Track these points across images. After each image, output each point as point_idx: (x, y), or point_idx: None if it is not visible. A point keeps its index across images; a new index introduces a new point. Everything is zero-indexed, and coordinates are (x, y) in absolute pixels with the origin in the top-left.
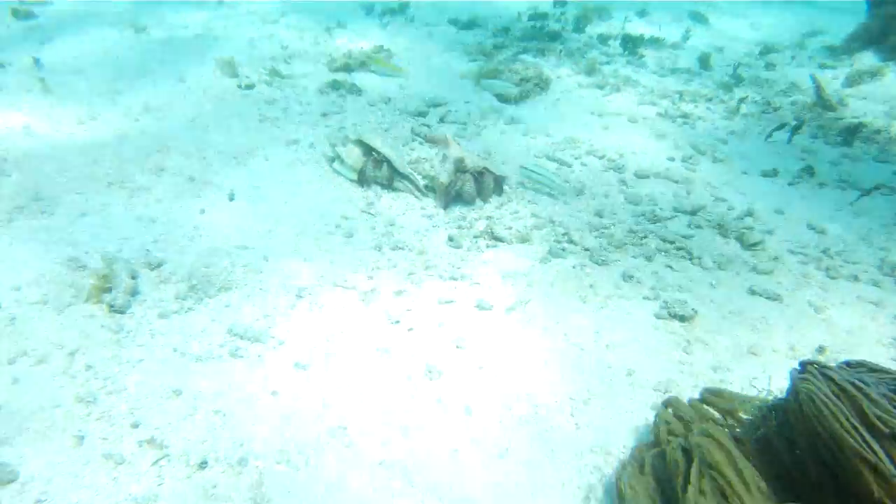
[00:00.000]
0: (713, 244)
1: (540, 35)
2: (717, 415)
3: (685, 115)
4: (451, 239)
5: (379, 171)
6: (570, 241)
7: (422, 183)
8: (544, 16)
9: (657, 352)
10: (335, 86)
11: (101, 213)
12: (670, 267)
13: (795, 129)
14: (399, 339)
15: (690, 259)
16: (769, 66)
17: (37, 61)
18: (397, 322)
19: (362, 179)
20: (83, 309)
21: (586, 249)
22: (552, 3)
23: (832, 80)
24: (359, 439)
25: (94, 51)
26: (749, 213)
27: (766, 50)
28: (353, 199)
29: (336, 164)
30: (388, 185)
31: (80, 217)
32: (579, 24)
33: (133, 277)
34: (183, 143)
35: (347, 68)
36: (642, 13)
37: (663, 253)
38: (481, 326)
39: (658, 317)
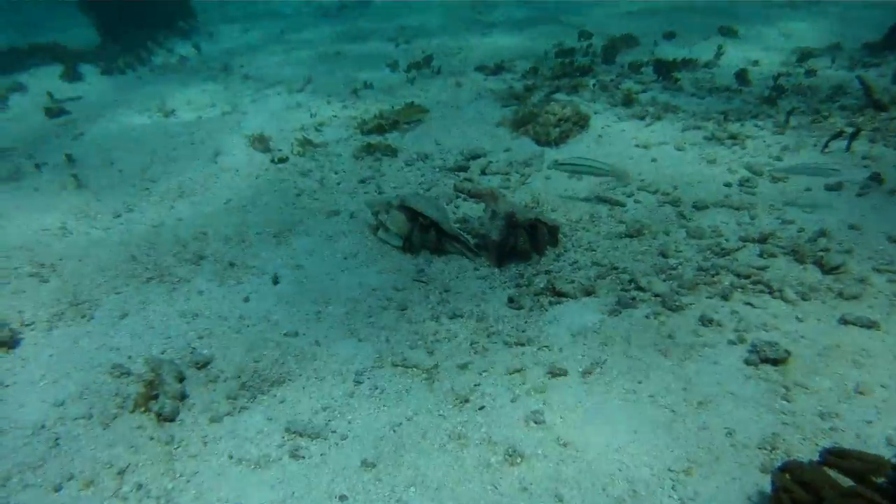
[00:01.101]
0: (791, 273)
1: (570, 71)
2: (845, 480)
3: (733, 136)
4: (511, 300)
5: (426, 236)
6: (638, 288)
7: (472, 242)
8: (571, 51)
9: (755, 403)
10: (369, 149)
11: (141, 312)
12: (750, 304)
13: (853, 136)
14: (471, 419)
15: (770, 293)
16: (809, 73)
17: (69, 157)
18: (466, 401)
19: (409, 246)
20: (130, 420)
21: (657, 295)
22: (577, 37)
23: (879, 79)
24: None
25: (126, 140)
26: (822, 234)
27: (804, 56)
28: (403, 268)
29: (381, 233)
30: (438, 249)
31: (121, 318)
32: (608, 55)
33: (180, 380)
34: (220, 227)
35: (381, 129)
36: (669, 36)
37: (740, 290)
38: (558, 396)
39: (748, 363)
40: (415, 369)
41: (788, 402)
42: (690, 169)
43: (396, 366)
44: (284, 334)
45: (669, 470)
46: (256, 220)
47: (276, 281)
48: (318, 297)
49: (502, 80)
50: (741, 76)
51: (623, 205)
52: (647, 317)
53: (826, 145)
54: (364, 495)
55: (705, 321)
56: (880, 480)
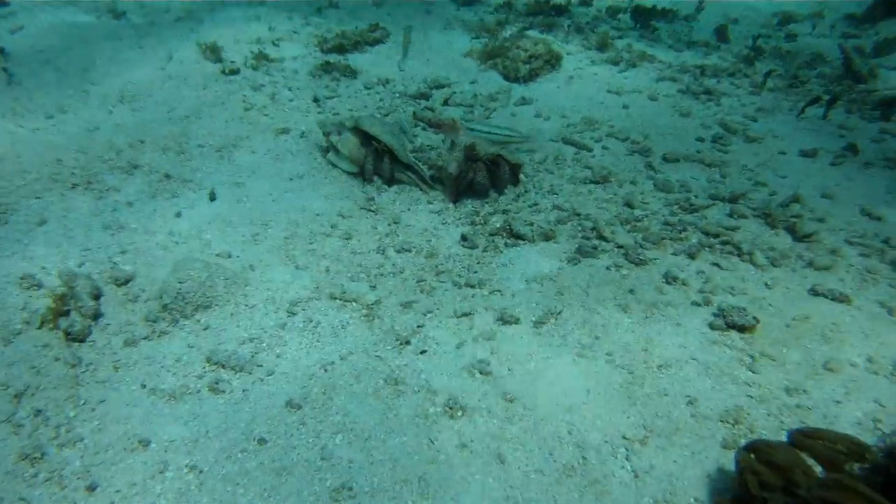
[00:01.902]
0: (762, 237)
1: (545, 9)
2: (816, 465)
3: (709, 92)
4: (464, 238)
5: (380, 163)
6: (601, 237)
7: (428, 174)
8: None
9: (719, 372)
10: (328, 68)
11: (62, 220)
12: (717, 265)
13: (830, 104)
14: (410, 364)
15: (739, 255)
16: (790, 38)
17: (1, 50)
18: (407, 343)
19: (361, 171)
20: (35, 337)
21: (620, 247)
22: None
23: (851, 50)
24: (368, 503)
25: (69, 39)
26: (795, 199)
27: (785, 20)
28: (352, 195)
29: (331, 156)
30: (391, 178)
31: (38, 226)
32: None
33: (96, 297)
34: (160, 136)
35: (341, 49)
36: None
37: (707, 249)
38: (507, 346)
39: (713, 327)
40: (354, 304)
41: (754, 373)
42: (662, 120)
43: (335, 298)
44: (216, 255)
45: (624, 438)
46: (199, 132)
47: (212, 197)
48: (257, 217)
49: (474, 12)
50: (720, 32)
51: (590, 149)
52: (608, 268)
53: (802, 111)
54: (286, 440)
55: (670, 279)
56: (856, 467)
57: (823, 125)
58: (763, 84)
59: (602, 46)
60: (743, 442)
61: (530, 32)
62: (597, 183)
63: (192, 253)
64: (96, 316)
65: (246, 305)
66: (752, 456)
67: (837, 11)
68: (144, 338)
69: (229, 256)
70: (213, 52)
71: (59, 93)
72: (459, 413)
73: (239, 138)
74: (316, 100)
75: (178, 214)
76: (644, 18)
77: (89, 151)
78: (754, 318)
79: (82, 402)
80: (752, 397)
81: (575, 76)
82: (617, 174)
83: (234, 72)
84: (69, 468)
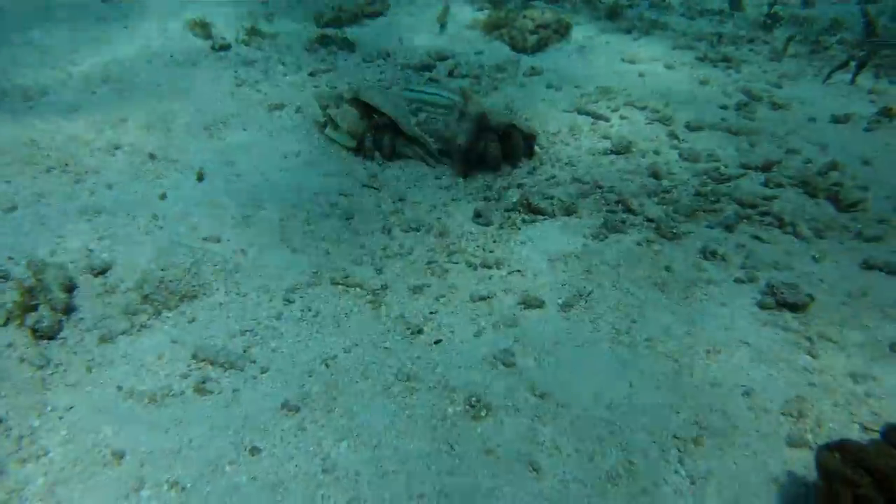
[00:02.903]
0: (803, 207)
1: None
2: None
3: (727, 59)
4: (478, 214)
5: (382, 136)
6: (628, 210)
7: (434, 147)
8: None
9: (774, 357)
10: (325, 41)
11: (34, 205)
12: (758, 238)
13: (860, 68)
14: (424, 357)
15: (781, 226)
16: (807, 4)
17: None
18: (419, 332)
19: (361, 146)
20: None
21: (650, 220)
22: None
23: (878, 16)
24: None
25: (52, 18)
26: (833, 166)
27: None
28: (352, 171)
29: (329, 130)
30: (394, 152)
31: (8, 212)
32: None
33: (68, 289)
34: (143, 114)
35: (338, 22)
36: None
37: (745, 220)
38: (532, 333)
39: (763, 306)
40: (358, 289)
41: (813, 357)
42: (682, 87)
43: (336, 284)
44: (203, 239)
45: (675, 437)
46: (186, 110)
47: (200, 177)
48: (248, 198)
49: None
50: (735, 1)
51: (607, 119)
52: (639, 244)
53: (829, 76)
54: (282, 448)
55: (708, 254)
56: None
57: (852, 90)
58: (784, 49)
59: (612, 16)
60: (811, 438)
61: (535, 2)
62: (618, 153)
63: (177, 238)
64: (68, 310)
65: (237, 294)
66: (838, 456)
67: None
68: (122, 333)
69: (218, 241)
70: (202, 28)
71: (40, 74)
72: (483, 413)
73: (229, 115)
74: (312, 74)
75: (163, 196)
76: None
77: (67, 131)
78: (808, 295)
79: (49, 409)
80: (814, 385)
81: (586, 46)
82: (638, 144)
83: (225, 47)
84: (31, 488)
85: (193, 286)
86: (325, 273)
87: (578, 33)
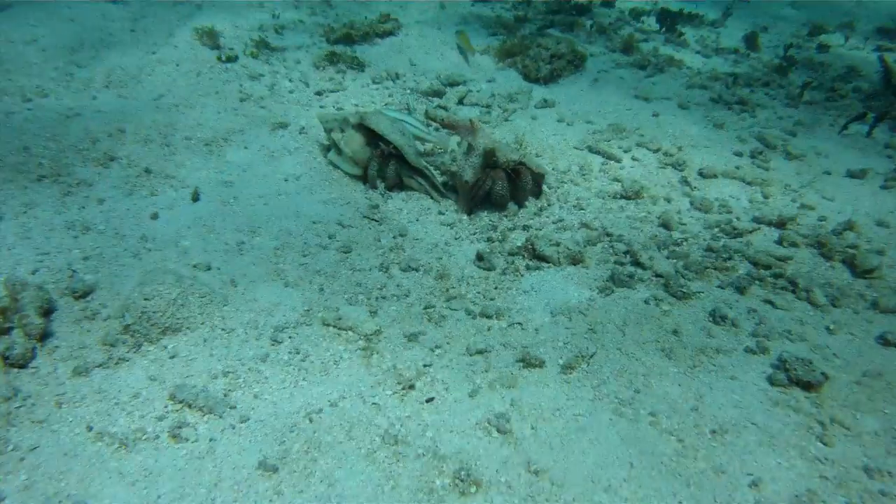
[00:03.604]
0: (817, 270)
1: (566, 8)
2: None
3: (742, 102)
4: (480, 258)
5: (387, 166)
6: (637, 264)
7: (440, 180)
8: None
9: (784, 443)
10: (332, 59)
11: (20, 217)
12: (771, 303)
13: (877, 121)
14: (415, 416)
15: (795, 291)
16: (822, 48)
17: None
18: (411, 387)
19: (365, 174)
20: None
21: (659, 276)
22: None
23: (891, 62)
24: None
25: (58, 18)
26: (849, 226)
27: (816, 30)
28: (354, 200)
29: (332, 155)
30: (398, 183)
31: None
32: None
33: (46, 313)
34: (143, 125)
35: (349, 39)
36: None
37: (758, 282)
38: (530, 396)
39: (774, 382)
40: (351, 333)
41: (826, 445)
42: (696, 130)
43: (328, 325)
44: (193, 266)
45: None
46: (188, 123)
47: (196, 197)
48: (244, 223)
49: (490, 8)
50: (751, 40)
51: (619, 160)
52: (646, 302)
53: (845, 127)
54: None
55: (718, 318)
56: None
57: (868, 143)
58: (800, 96)
59: (627, 49)
60: None
61: (551, 31)
62: (628, 199)
63: (165, 262)
64: (44, 336)
65: (223, 329)
66: None
67: (868, 22)
68: (99, 365)
69: (208, 269)
70: (210, 38)
71: (42, 75)
72: (473, 489)
73: (231, 131)
74: (319, 93)
75: (155, 216)
76: (670, 22)
77: (63, 140)
78: (822, 373)
79: (10, 447)
80: (826, 479)
81: (600, 79)
82: (649, 189)
83: (232, 59)
84: None
85: (178, 319)
86: (318, 312)
87: (592, 65)
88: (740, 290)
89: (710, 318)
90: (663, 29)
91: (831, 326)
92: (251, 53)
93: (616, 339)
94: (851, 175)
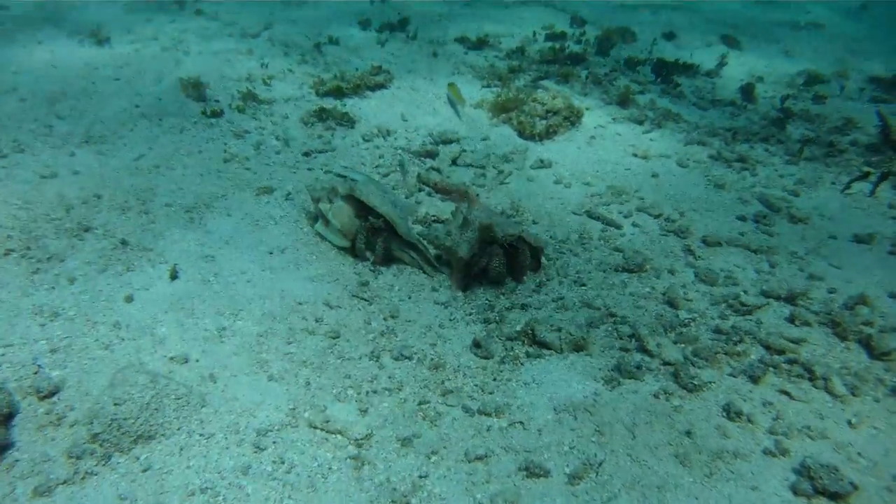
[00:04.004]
0: (832, 352)
1: (561, 58)
2: None
3: (742, 159)
4: (477, 345)
5: (377, 239)
6: (643, 350)
7: (433, 252)
8: (563, 36)
9: None
10: (322, 116)
11: None
12: (787, 393)
13: (881, 180)
14: None
15: (812, 379)
16: (818, 99)
17: None
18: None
19: (353, 247)
20: None
21: (667, 364)
22: (569, 23)
23: (890, 117)
24: None
25: (40, 65)
26: (862, 300)
27: (811, 80)
28: (342, 277)
29: (319, 226)
30: (389, 257)
31: None
32: (602, 47)
33: (6, 418)
34: (121, 190)
35: (339, 93)
36: (670, 36)
37: (772, 369)
38: None
39: (798, 492)
40: (339, 437)
41: None
42: (696, 192)
43: (315, 427)
44: (170, 359)
45: None
46: (168, 188)
47: (174, 275)
48: (226, 304)
49: (484, 57)
50: (747, 91)
51: (619, 227)
52: (656, 396)
53: (848, 186)
54: None
55: (732, 413)
56: None
57: (872, 204)
58: (800, 153)
59: (623, 102)
60: None
61: (545, 83)
62: (631, 272)
63: (140, 354)
64: (4, 448)
65: (201, 435)
66: None
67: (861, 72)
68: (63, 482)
69: (186, 361)
70: (196, 89)
71: (19, 127)
72: None
73: (214, 197)
74: (306, 153)
75: (130, 298)
76: (666, 72)
77: (35, 207)
78: (851, 483)
79: None
80: None
81: (597, 136)
82: (652, 260)
83: (217, 114)
84: None
85: (151, 425)
86: (304, 411)
87: (589, 120)
88: (754, 378)
89: (724, 414)
90: (659, 80)
91: (853, 420)
92: (237, 108)
93: (626, 443)
94: (858, 240)
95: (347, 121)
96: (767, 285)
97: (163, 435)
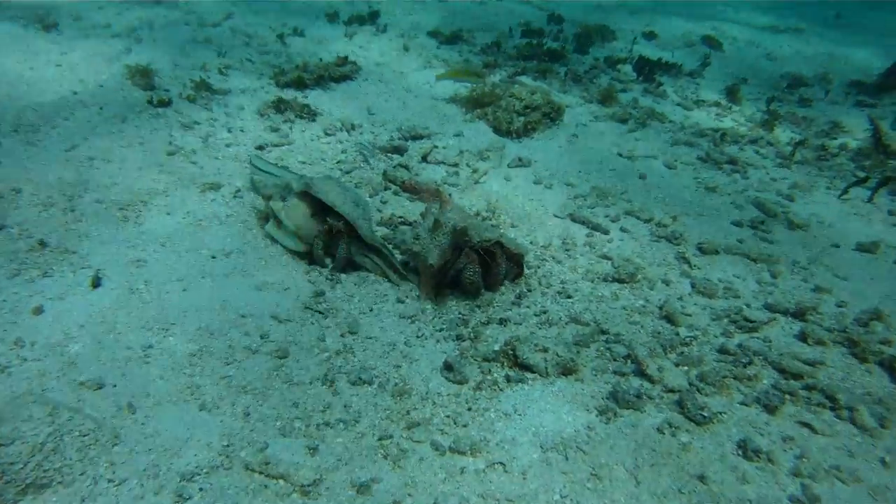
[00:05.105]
0: (853, 376)
1: (539, 54)
2: None
3: (733, 161)
4: (448, 367)
5: (336, 243)
6: (642, 374)
7: (398, 258)
8: (540, 32)
9: None
10: (280, 107)
11: None
12: (808, 426)
13: (880, 185)
14: None
15: (835, 409)
16: (803, 102)
17: None
18: None
19: (309, 251)
20: None
21: (670, 391)
22: (546, 19)
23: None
24: None
25: None
26: (876, 316)
27: (796, 83)
28: (294, 285)
29: (270, 227)
30: (349, 262)
31: None
32: (581, 45)
33: None
34: (46, 183)
35: (300, 84)
36: (650, 36)
37: (789, 397)
38: None
39: None
40: (282, 482)
41: None
42: (687, 195)
43: (253, 471)
44: (80, 384)
45: None
46: (101, 182)
47: (96, 283)
48: (155, 318)
49: (458, 52)
50: (732, 93)
51: (606, 232)
52: (660, 430)
53: (845, 191)
54: None
55: (750, 451)
56: None
57: (871, 209)
58: (792, 155)
59: (605, 100)
60: None
61: (522, 78)
62: (622, 282)
63: (43, 379)
64: None
65: (110, 481)
66: None
67: (842, 76)
68: None
69: (100, 387)
70: (144, 77)
71: None
72: None
73: (153, 193)
74: (260, 147)
75: (39, 310)
76: (648, 71)
77: None
78: None
79: None
80: None
81: (579, 134)
82: (644, 269)
83: (165, 103)
84: None
85: (45, 470)
86: (240, 449)
87: (570, 117)
88: (769, 408)
89: (741, 452)
90: (640, 78)
91: (887, 459)
92: (188, 97)
93: (628, 490)
94: (861, 248)
95: (308, 113)
96: (772, 298)
97: (60, 483)
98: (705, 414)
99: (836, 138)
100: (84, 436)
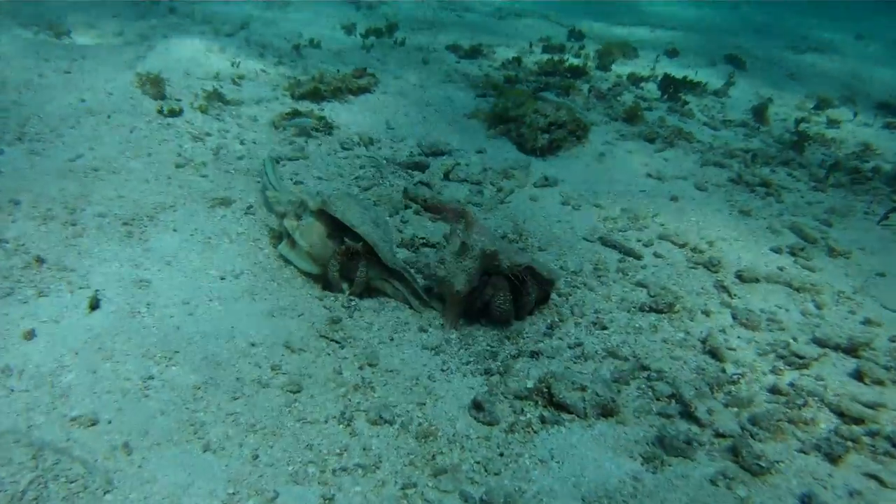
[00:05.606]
0: None
1: (561, 70)
2: None
3: (766, 184)
4: (478, 407)
5: (354, 266)
6: (689, 417)
7: (421, 284)
8: (561, 48)
9: None
10: (296, 119)
11: None
12: (876, 479)
13: (891, 211)
14: None
15: None
16: (832, 123)
17: None
18: None
19: (325, 274)
20: None
21: (721, 436)
22: (566, 35)
23: None
24: None
25: None
26: None
27: (822, 104)
28: (308, 311)
29: (284, 247)
30: (368, 288)
31: None
32: (603, 61)
33: None
34: (47, 195)
35: (316, 95)
36: (672, 54)
37: (852, 444)
38: None
39: None
40: None
41: None
42: (721, 219)
43: None
44: (71, 420)
45: None
46: (106, 194)
47: (94, 305)
48: (157, 345)
49: (478, 66)
50: (759, 112)
51: (639, 257)
52: (714, 482)
53: (886, 217)
54: None
55: None
56: None
57: None
58: (827, 179)
59: (631, 118)
60: None
61: (545, 94)
62: (660, 312)
63: (30, 414)
64: None
65: None
66: None
67: (868, 98)
68: None
69: (94, 423)
70: (155, 86)
71: None
72: None
73: (160, 207)
74: (276, 161)
75: (31, 334)
76: (673, 89)
77: None
78: None
79: None
80: None
81: (605, 153)
82: (682, 298)
83: (175, 113)
84: None
85: None
86: (247, 499)
87: (595, 136)
88: (831, 458)
89: None
90: (665, 96)
91: None
92: (200, 107)
93: None
94: None
95: (325, 126)
96: (819, 331)
97: None
98: (762, 464)
99: (867, 160)
100: (71, 482)
